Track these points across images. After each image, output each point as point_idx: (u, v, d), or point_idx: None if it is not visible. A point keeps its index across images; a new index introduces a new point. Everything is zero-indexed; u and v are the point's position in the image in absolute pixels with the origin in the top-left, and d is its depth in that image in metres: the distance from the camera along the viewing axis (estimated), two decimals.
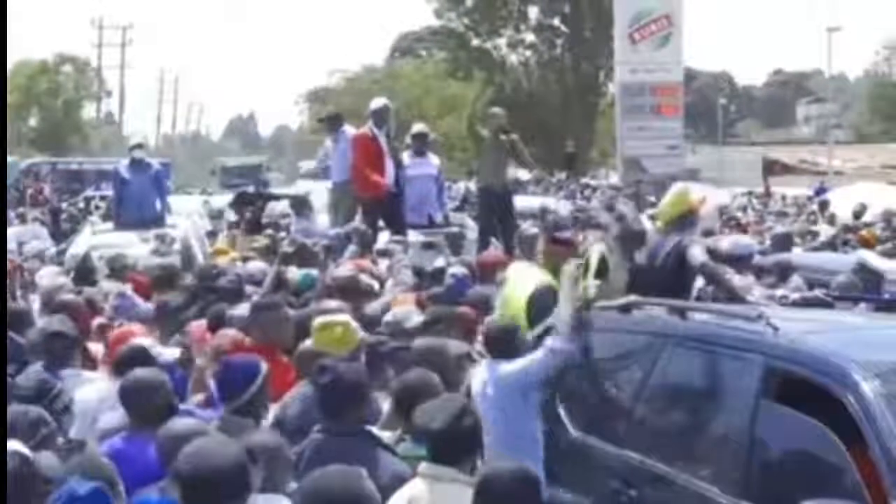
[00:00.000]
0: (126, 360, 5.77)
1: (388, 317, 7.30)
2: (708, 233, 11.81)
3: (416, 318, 7.12)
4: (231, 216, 21.10)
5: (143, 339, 6.27)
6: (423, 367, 5.59)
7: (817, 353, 4.73)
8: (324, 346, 5.98)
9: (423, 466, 4.49)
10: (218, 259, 10.79)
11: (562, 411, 6.20)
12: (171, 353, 5.93)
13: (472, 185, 20.24)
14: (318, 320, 6.28)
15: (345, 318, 6.34)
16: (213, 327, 7.12)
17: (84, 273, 10.03)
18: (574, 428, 6.08)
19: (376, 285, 9.03)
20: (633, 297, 6.23)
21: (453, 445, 4.46)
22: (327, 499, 3.59)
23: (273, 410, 5.57)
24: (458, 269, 9.32)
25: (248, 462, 3.85)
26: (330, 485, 3.67)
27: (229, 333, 6.83)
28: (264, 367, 5.27)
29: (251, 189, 20.52)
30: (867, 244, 12.75)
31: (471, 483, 4.34)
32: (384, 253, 10.69)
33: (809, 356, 4.72)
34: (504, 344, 6.15)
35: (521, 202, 18.60)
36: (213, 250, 12.35)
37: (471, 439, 4.54)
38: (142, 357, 5.74)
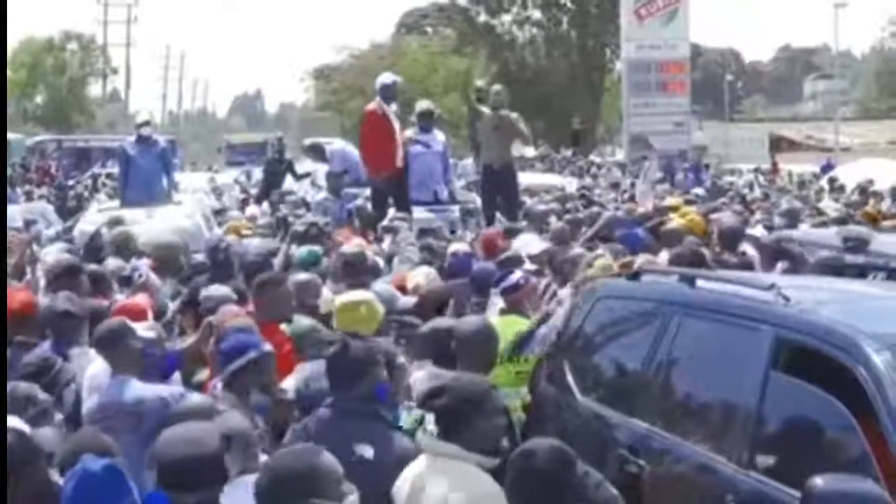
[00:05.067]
0: (106, 337, 5.76)
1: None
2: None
3: (406, 299, 7.05)
4: (237, 193, 21.14)
5: (119, 318, 6.21)
6: None
7: (828, 324, 4.68)
8: (348, 325, 5.93)
9: (427, 442, 4.46)
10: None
11: (570, 377, 6.20)
12: (145, 332, 5.89)
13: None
14: (340, 300, 6.24)
15: (368, 296, 6.29)
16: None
17: (93, 250, 10.02)
18: (582, 394, 6.08)
19: (381, 262, 9.04)
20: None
21: (458, 422, 4.39)
22: (285, 474, 3.62)
23: (293, 382, 5.58)
24: (457, 247, 9.32)
25: (222, 450, 3.88)
26: (288, 461, 3.71)
27: (233, 309, 6.85)
28: (262, 347, 5.29)
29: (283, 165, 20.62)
30: (872, 220, 12.71)
31: (477, 462, 4.31)
32: (390, 230, 10.69)
33: (820, 327, 4.68)
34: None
35: (528, 179, 18.69)
36: (228, 228, 12.39)
37: (478, 417, 4.42)
38: (123, 333, 5.72)
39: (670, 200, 12.43)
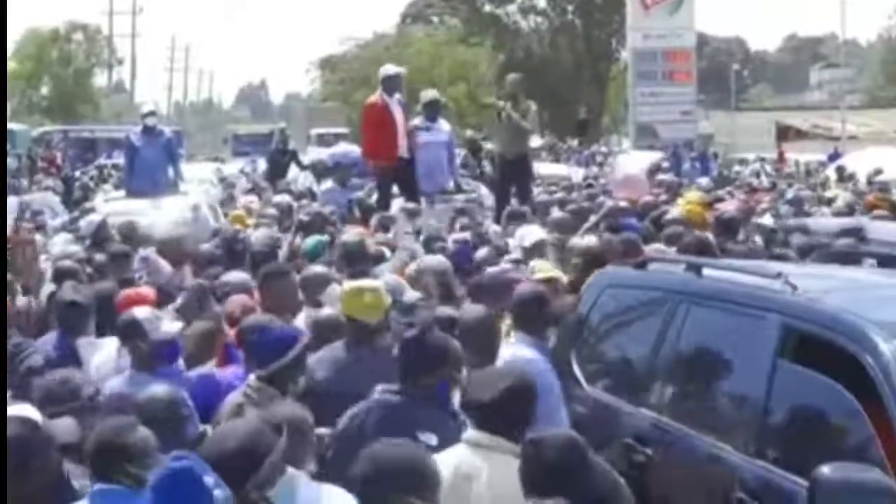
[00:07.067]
0: (122, 330, 5.78)
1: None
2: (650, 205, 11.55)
3: (411, 293, 7.03)
4: (244, 183, 21.17)
5: (145, 308, 6.18)
6: None
7: (835, 312, 4.67)
8: (353, 312, 5.90)
9: (470, 434, 4.43)
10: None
11: (576, 367, 6.18)
12: (170, 325, 5.85)
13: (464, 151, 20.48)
14: (347, 286, 6.24)
15: (374, 283, 6.29)
16: None
17: (100, 240, 10.04)
18: (588, 384, 6.07)
19: (387, 252, 9.04)
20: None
21: (502, 415, 4.36)
22: (392, 471, 3.49)
23: None
24: (459, 236, 9.32)
25: (261, 435, 3.79)
26: (394, 457, 3.56)
27: (239, 299, 6.84)
28: (304, 337, 5.26)
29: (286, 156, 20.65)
30: (875, 208, 12.70)
31: (517, 453, 4.29)
32: (388, 220, 10.70)
33: (827, 315, 4.66)
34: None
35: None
36: (232, 217, 12.41)
37: (521, 410, 4.41)
38: (131, 329, 5.72)
39: (690, 196, 12.39)
